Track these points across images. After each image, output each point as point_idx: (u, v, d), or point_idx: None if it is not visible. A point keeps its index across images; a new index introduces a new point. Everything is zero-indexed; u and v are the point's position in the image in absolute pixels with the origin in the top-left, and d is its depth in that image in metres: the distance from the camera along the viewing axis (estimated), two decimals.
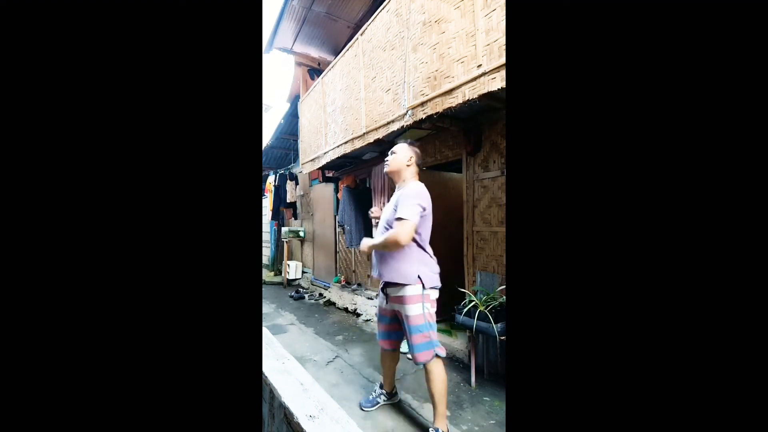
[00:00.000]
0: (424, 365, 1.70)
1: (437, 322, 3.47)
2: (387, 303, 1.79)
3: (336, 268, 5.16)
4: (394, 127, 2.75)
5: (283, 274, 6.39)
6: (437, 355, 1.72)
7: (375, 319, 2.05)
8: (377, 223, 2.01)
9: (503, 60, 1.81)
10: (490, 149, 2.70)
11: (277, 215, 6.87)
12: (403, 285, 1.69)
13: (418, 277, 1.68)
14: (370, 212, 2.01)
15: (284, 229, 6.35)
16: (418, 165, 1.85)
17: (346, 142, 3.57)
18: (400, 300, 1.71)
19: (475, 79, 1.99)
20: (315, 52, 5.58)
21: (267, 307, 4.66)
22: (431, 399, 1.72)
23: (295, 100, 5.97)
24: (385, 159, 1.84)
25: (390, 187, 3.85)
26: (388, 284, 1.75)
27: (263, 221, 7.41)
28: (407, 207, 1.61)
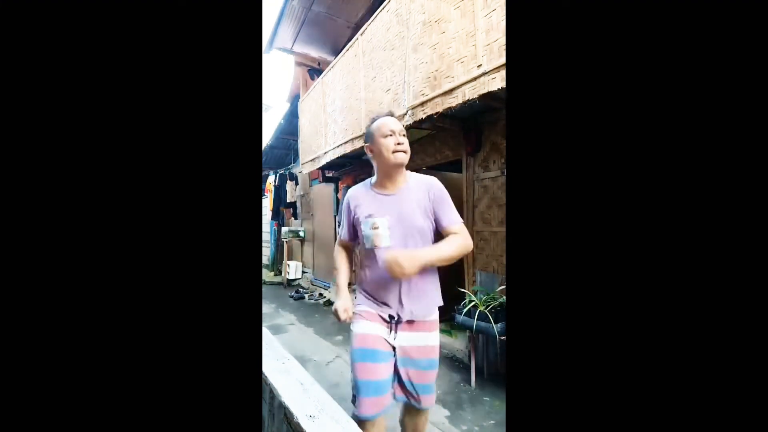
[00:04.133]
0: (423, 409, 1.26)
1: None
2: (396, 333, 1.21)
3: None
4: None
5: (283, 274, 6.38)
6: None
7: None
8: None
9: (503, 60, 1.81)
10: (490, 149, 2.70)
11: (277, 215, 6.87)
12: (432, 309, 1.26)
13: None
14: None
15: (284, 229, 6.35)
16: None
17: (346, 142, 3.57)
18: (425, 327, 1.24)
19: (475, 79, 1.99)
20: (315, 52, 5.58)
21: (267, 307, 4.66)
22: None
23: (295, 100, 5.97)
24: (396, 143, 1.17)
25: None
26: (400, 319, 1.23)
27: (263, 221, 7.40)
28: (453, 207, 1.24)
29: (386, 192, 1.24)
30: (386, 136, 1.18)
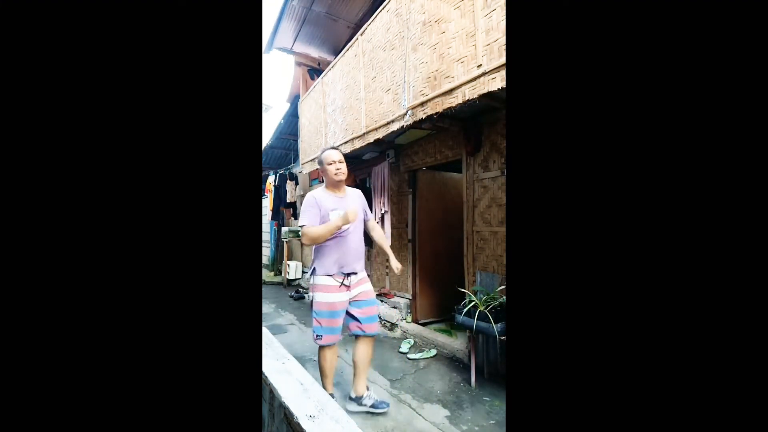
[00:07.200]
0: (371, 335, 2.00)
1: (437, 321, 3.52)
2: (351, 289, 1.97)
3: None
4: (394, 127, 2.75)
5: (283, 274, 6.38)
6: None
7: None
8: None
9: (503, 60, 1.81)
10: (490, 149, 2.70)
11: (277, 215, 6.86)
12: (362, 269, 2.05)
13: None
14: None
15: (284, 229, 6.34)
16: None
17: (346, 142, 3.57)
18: (365, 280, 2.05)
19: (475, 79, 1.99)
20: (315, 52, 5.58)
21: (267, 307, 4.66)
22: (363, 366, 2.00)
23: (295, 100, 5.97)
24: (336, 168, 1.91)
25: (390, 187, 3.85)
26: (351, 273, 1.97)
27: (263, 221, 7.40)
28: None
29: (339, 195, 1.99)
30: (330, 164, 1.93)
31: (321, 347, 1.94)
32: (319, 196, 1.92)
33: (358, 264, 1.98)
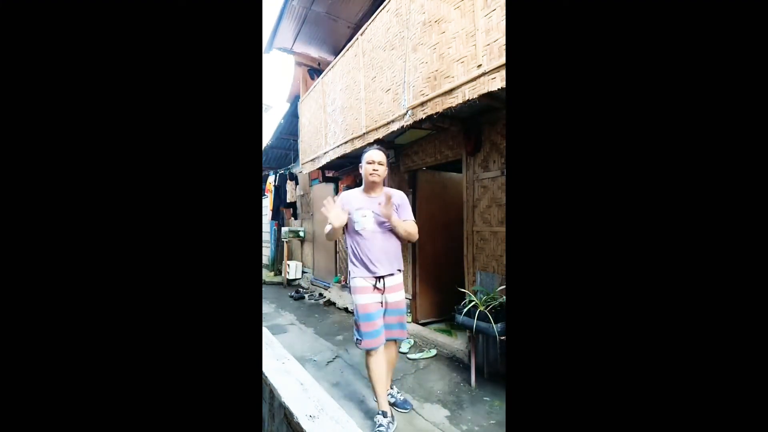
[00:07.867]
0: (395, 341, 2.04)
1: (437, 321, 3.51)
2: (383, 293, 1.92)
3: (336, 268, 5.16)
4: (394, 127, 2.75)
5: (283, 274, 6.39)
6: None
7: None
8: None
9: (503, 60, 1.81)
10: (490, 149, 2.70)
11: (277, 215, 6.86)
12: (398, 272, 1.96)
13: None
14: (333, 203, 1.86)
15: (284, 229, 6.34)
16: None
17: (346, 142, 3.57)
18: (397, 287, 1.96)
19: (475, 79, 1.99)
20: (315, 52, 5.58)
21: (267, 307, 4.66)
22: (388, 365, 1.99)
23: (295, 100, 5.96)
24: (373, 168, 1.87)
25: (390, 187, 3.84)
26: (382, 276, 1.90)
27: (263, 221, 7.40)
28: (410, 210, 2.00)
29: (371, 196, 1.94)
30: (368, 164, 1.89)
31: (367, 353, 1.88)
32: (348, 196, 1.93)
33: (388, 266, 1.90)
